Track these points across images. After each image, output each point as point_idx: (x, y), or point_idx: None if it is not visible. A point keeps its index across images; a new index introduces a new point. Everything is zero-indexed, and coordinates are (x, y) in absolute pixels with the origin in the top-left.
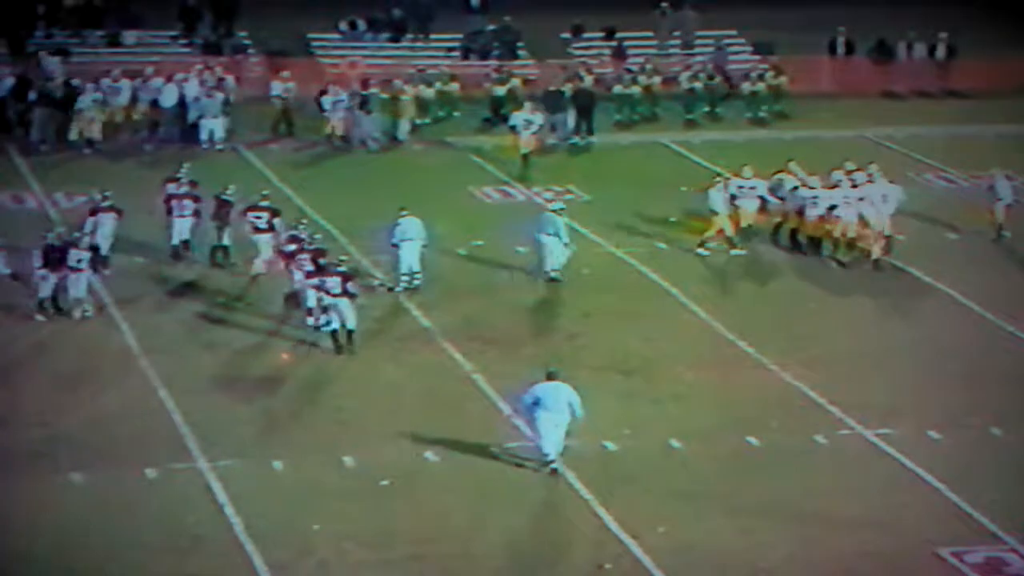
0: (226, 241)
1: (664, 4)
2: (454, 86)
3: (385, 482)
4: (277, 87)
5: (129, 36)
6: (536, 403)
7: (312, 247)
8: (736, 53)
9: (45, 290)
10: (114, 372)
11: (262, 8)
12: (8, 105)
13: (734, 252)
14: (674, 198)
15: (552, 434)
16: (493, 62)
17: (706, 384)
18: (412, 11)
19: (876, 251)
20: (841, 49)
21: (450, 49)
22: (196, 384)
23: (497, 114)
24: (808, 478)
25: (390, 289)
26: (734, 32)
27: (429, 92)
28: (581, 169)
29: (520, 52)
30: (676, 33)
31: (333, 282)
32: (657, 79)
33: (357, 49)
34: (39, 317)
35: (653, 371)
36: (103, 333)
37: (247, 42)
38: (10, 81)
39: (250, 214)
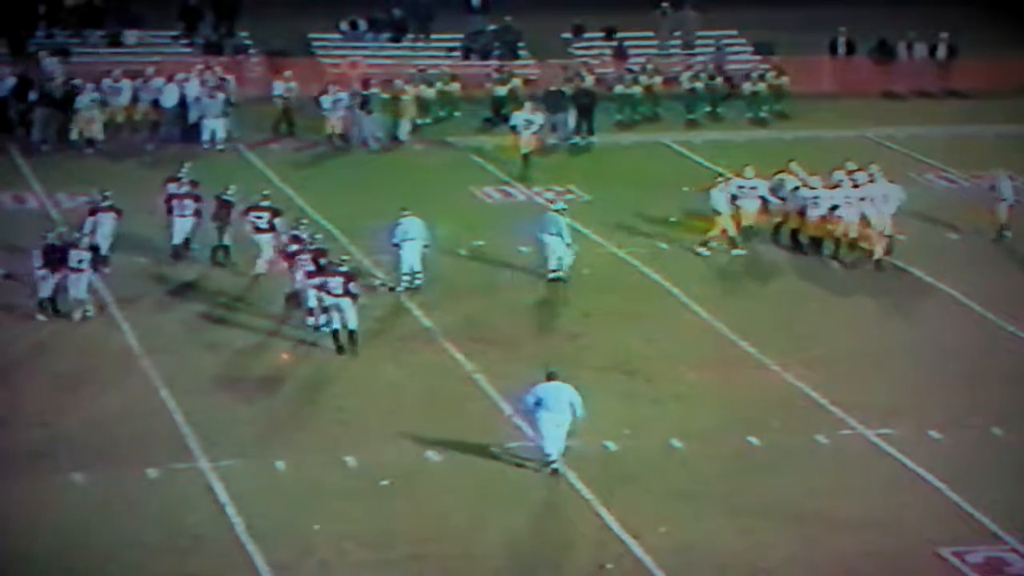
0: (227, 241)
1: (665, 4)
2: (455, 86)
3: (386, 482)
4: (279, 87)
5: (130, 36)
6: (538, 404)
7: (313, 247)
8: (737, 53)
9: (45, 290)
10: (115, 372)
11: (263, 8)
12: (9, 105)
13: (735, 252)
14: (675, 198)
15: (554, 434)
16: (494, 62)
17: (707, 384)
18: (413, 11)
19: (878, 251)
20: (842, 49)
21: (451, 49)
22: (197, 384)
23: (498, 114)
24: (809, 478)
25: (391, 289)
26: (735, 32)
27: (430, 92)
28: (582, 169)
29: (521, 52)
30: (677, 33)
31: (335, 282)
32: (658, 79)
33: (358, 49)
34: (40, 317)
35: (654, 371)
36: (104, 333)
37: (248, 42)
38: (11, 81)
39: (251, 214)
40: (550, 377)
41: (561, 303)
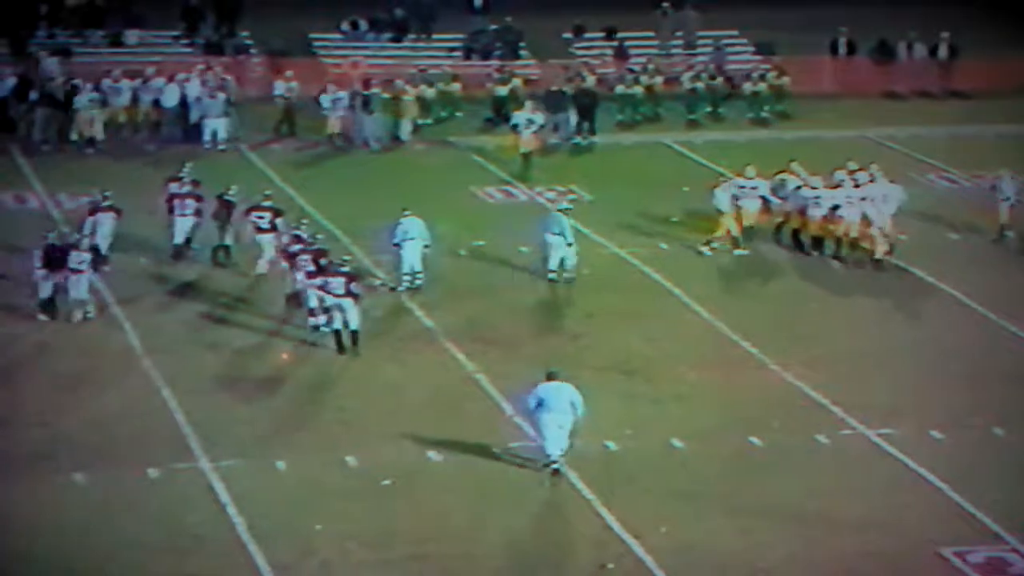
0: (228, 241)
1: (666, 4)
2: (456, 86)
3: (387, 482)
4: (280, 87)
5: (131, 36)
6: (539, 404)
7: (314, 247)
8: (738, 53)
9: (46, 290)
10: (116, 372)
11: (264, 8)
12: (10, 105)
13: (737, 252)
14: (676, 198)
15: (555, 435)
16: (495, 62)
17: (708, 384)
18: (414, 11)
19: (880, 251)
20: (843, 49)
21: (452, 49)
22: (198, 384)
23: (499, 114)
24: (810, 478)
25: (392, 289)
26: (736, 32)
27: (431, 92)
28: (583, 169)
29: (522, 52)
30: (678, 33)
31: (337, 283)
32: (659, 79)
33: (359, 49)
34: (41, 317)
35: (655, 371)
36: (105, 333)
37: (249, 42)
38: (12, 81)
39: (253, 214)
40: (550, 377)
41: (562, 303)
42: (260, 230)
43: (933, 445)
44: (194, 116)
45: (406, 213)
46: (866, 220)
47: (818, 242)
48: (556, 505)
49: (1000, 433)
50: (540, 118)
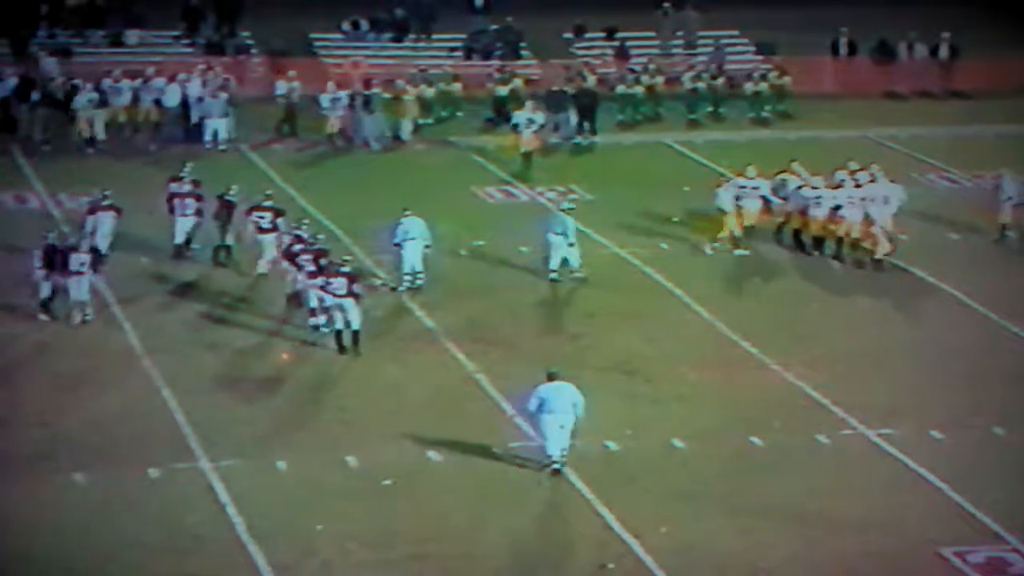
0: (229, 241)
1: (667, 4)
2: (456, 86)
3: (387, 482)
4: (282, 87)
5: (132, 36)
6: (541, 405)
7: (315, 247)
8: (739, 53)
9: (46, 290)
10: (116, 372)
11: (265, 8)
12: (11, 105)
13: (737, 252)
14: (677, 198)
15: (556, 435)
16: (496, 62)
17: (709, 384)
18: (415, 11)
19: (881, 251)
20: (843, 49)
21: (453, 49)
22: (198, 384)
23: (500, 114)
24: (810, 478)
25: (393, 289)
26: (736, 32)
27: (432, 92)
28: (584, 169)
29: (523, 52)
30: (679, 33)
31: (339, 283)
32: (660, 79)
33: (360, 49)
34: (42, 317)
35: (655, 371)
36: (105, 333)
37: (250, 42)
38: (13, 81)
39: (254, 214)
40: (551, 377)
41: (562, 303)
42: (261, 230)
43: (933, 445)
44: (195, 116)
45: (407, 213)
46: (868, 220)
47: (819, 242)
48: (556, 505)
49: (1000, 433)
50: (540, 117)
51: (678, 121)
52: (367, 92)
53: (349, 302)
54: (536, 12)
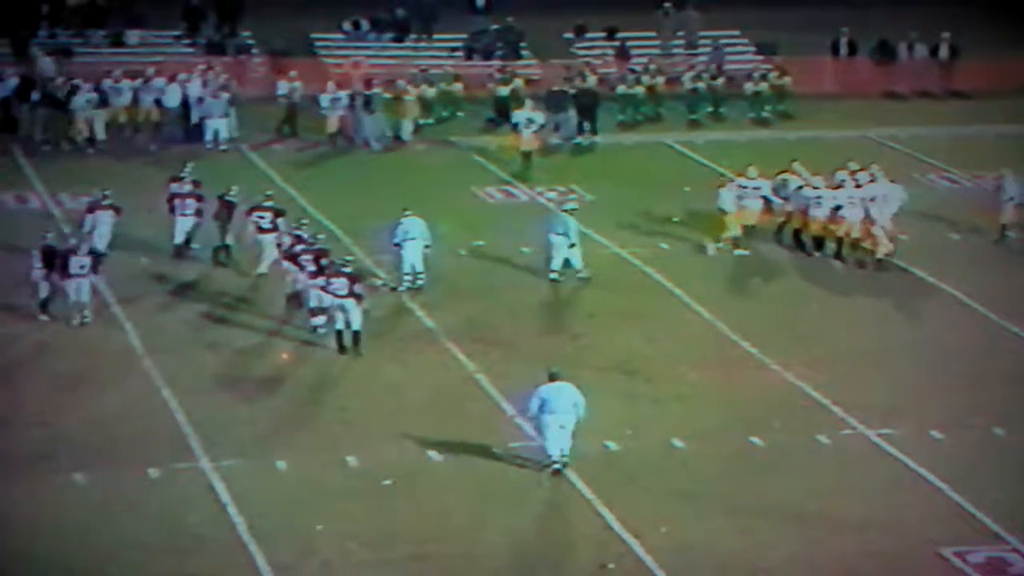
0: (229, 241)
1: (667, 4)
2: (457, 86)
3: (387, 482)
4: (283, 87)
5: (132, 36)
6: (542, 406)
7: (315, 247)
8: (739, 53)
9: (45, 291)
10: (116, 372)
11: (265, 8)
12: (12, 105)
13: (738, 252)
14: (677, 198)
15: (557, 435)
16: (496, 62)
17: (709, 384)
18: (415, 11)
19: (882, 251)
20: (844, 50)
21: (453, 49)
22: (199, 384)
23: (501, 114)
24: (810, 478)
25: (393, 289)
26: (737, 32)
27: (432, 92)
28: (585, 169)
29: (523, 52)
30: (679, 33)
31: (340, 283)
32: (661, 79)
33: (360, 49)
34: (43, 317)
35: (656, 371)
36: (105, 333)
37: (250, 42)
38: (14, 81)
39: (254, 214)
40: (552, 377)
41: (563, 303)
42: (261, 230)
43: (933, 445)
44: (195, 116)
45: (407, 213)
46: (868, 220)
47: (819, 242)
48: (556, 505)
49: (1000, 433)
50: (540, 117)
51: (679, 121)
52: (368, 92)
53: (350, 302)
54: (537, 12)
